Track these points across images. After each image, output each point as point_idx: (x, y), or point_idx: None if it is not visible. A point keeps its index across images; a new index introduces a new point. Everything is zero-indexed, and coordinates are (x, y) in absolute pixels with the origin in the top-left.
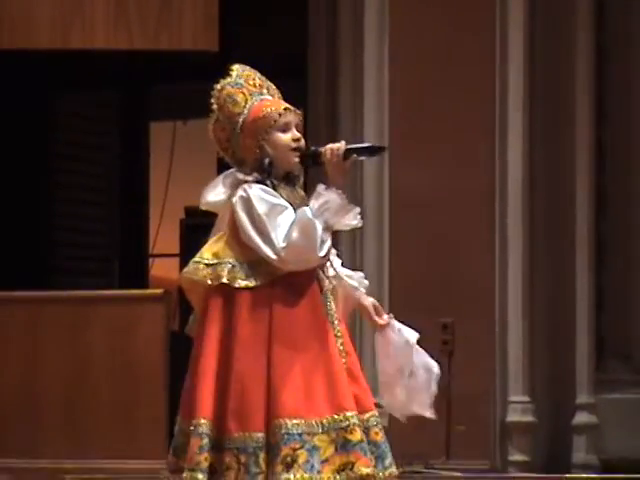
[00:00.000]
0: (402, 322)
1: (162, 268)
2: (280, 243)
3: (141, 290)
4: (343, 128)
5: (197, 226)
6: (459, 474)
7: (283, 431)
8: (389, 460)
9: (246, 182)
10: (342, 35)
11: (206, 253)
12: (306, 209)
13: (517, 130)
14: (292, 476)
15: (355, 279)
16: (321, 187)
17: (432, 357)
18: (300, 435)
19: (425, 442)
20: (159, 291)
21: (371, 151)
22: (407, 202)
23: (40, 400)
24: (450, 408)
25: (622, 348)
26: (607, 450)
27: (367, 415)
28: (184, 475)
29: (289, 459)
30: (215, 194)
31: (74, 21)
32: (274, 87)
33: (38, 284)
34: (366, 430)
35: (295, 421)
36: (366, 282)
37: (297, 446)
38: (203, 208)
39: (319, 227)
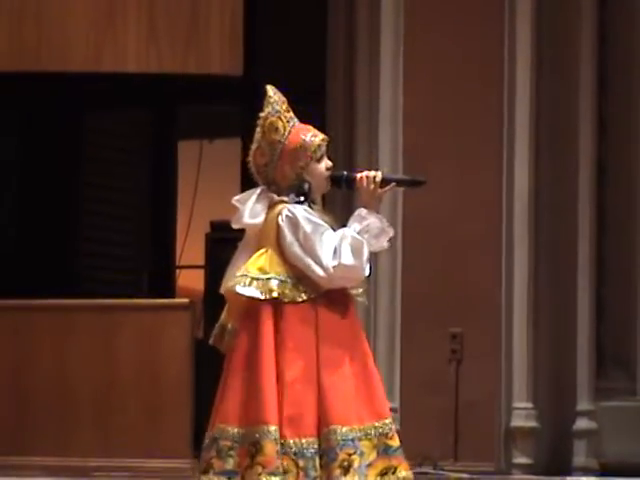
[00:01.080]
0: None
1: (188, 279)
2: (330, 262)
3: (168, 299)
4: (359, 151)
5: (221, 240)
6: (466, 475)
7: (339, 437)
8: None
9: (282, 202)
10: (359, 63)
11: (251, 267)
12: (350, 230)
13: (523, 151)
14: (350, 479)
15: None
16: (363, 211)
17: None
18: (353, 441)
19: (434, 445)
20: (185, 300)
21: (411, 183)
22: (419, 220)
23: (71, 402)
24: (458, 413)
25: (621, 358)
26: (606, 454)
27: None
28: (262, 478)
29: (346, 464)
30: (251, 216)
31: (107, 45)
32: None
33: (71, 293)
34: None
35: (347, 427)
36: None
37: (351, 451)
38: (236, 227)
39: (367, 247)
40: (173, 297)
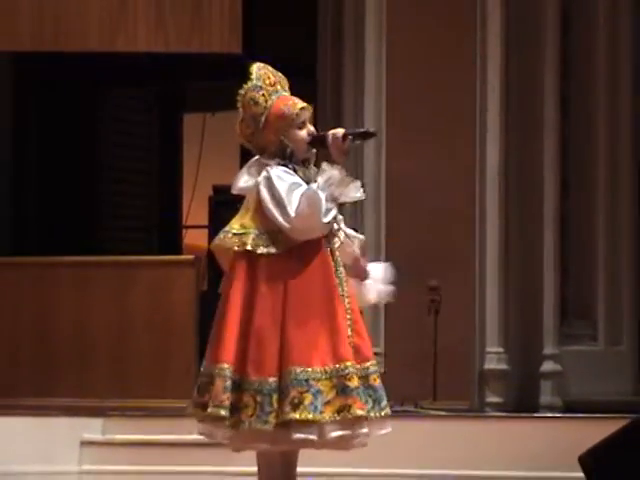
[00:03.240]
0: (396, 285)
1: (193, 237)
2: (292, 214)
3: (175, 256)
4: (346, 120)
5: (223, 202)
6: (443, 413)
7: (292, 377)
8: (384, 402)
9: (268, 165)
10: (346, 41)
11: (235, 224)
12: (313, 184)
13: (494, 122)
14: (298, 415)
15: (353, 237)
16: (325, 164)
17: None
18: (307, 381)
19: (415, 385)
20: (191, 257)
21: (364, 136)
22: (401, 182)
23: (89, 348)
24: (436, 358)
25: (582, 307)
26: (569, 394)
27: (367, 364)
28: (209, 410)
29: (296, 400)
30: (244, 181)
31: (119, 27)
32: (283, 77)
33: (89, 251)
34: (366, 377)
35: (302, 368)
36: (361, 237)
37: (303, 390)
38: (235, 193)
39: (322, 197)
40: (180, 254)
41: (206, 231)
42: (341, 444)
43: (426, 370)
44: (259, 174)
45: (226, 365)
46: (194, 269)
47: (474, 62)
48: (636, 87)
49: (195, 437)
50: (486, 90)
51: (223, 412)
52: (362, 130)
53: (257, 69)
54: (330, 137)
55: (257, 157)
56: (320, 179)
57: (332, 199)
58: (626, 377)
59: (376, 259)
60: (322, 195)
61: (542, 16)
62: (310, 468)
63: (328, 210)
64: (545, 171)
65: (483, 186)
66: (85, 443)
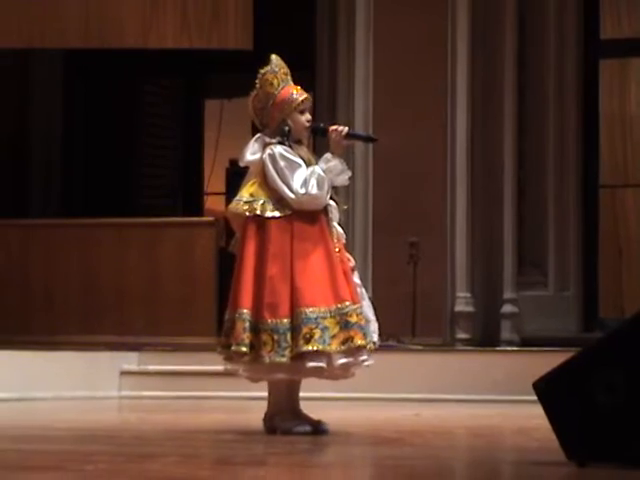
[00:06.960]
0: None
1: (213, 202)
2: (299, 190)
3: (198, 218)
4: (340, 105)
5: (237, 173)
6: (420, 347)
7: (303, 316)
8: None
9: (271, 144)
10: (340, 40)
11: (244, 193)
12: (318, 168)
13: (462, 105)
14: (310, 347)
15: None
16: (329, 155)
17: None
18: (316, 319)
19: (397, 325)
20: (211, 219)
21: (366, 139)
22: (385, 153)
23: (127, 295)
24: (415, 301)
25: (536, 259)
26: (525, 331)
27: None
28: (232, 349)
29: (308, 336)
30: (251, 154)
31: (152, 27)
32: (290, 73)
33: (125, 213)
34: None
35: (311, 309)
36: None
37: (313, 327)
38: (242, 165)
39: (328, 182)
40: (202, 216)
41: (223, 197)
42: (345, 372)
43: (406, 312)
44: (263, 149)
45: (245, 310)
46: (214, 229)
47: (445, 55)
48: (580, 75)
49: (215, 367)
50: (456, 74)
51: (244, 349)
52: (366, 135)
53: (276, 59)
54: (333, 132)
55: (260, 134)
56: (323, 165)
57: (330, 184)
58: (572, 317)
59: (364, 219)
60: (329, 180)
61: (502, 17)
62: (308, 393)
63: (328, 193)
64: (505, 144)
65: (453, 156)
66: (124, 373)
